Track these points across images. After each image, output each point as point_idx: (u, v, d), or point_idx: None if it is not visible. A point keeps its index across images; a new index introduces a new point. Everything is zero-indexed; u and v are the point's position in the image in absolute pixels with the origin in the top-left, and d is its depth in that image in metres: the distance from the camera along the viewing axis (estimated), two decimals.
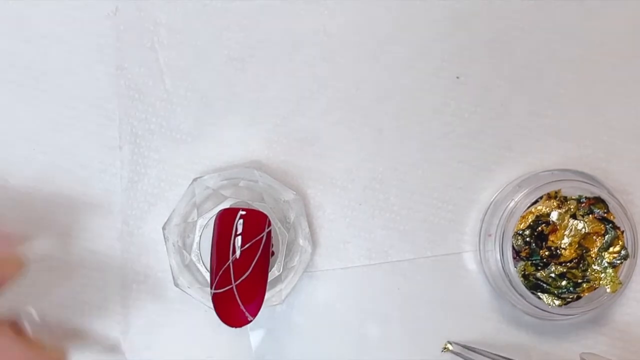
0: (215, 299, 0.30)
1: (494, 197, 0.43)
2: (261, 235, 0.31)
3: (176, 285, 0.39)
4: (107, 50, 0.43)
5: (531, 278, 0.41)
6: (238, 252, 0.31)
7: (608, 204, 0.41)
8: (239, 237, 0.31)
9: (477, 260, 0.44)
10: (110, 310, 0.43)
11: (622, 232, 0.41)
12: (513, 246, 0.41)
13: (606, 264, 0.41)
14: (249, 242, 0.31)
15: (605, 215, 0.41)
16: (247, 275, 0.31)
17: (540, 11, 0.44)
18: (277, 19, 0.44)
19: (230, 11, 0.43)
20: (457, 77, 0.44)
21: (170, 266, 0.39)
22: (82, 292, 0.42)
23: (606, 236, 0.41)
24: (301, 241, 0.40)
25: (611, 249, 0.41)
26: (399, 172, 0.44)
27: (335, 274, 0.43)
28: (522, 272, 0.41)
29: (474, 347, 0.40)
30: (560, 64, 0.44)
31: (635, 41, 0.44)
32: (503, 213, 0.42)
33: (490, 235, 0.42)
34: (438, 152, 0.44)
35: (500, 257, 0.41)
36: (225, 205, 0.35)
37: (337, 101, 0.44)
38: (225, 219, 0.31)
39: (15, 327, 0.35)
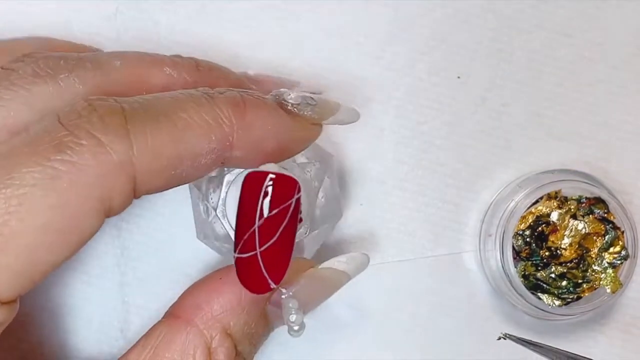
0: (239, 263, 0.29)
1: (494, 198, 0.43)
2: (290, 201, 0.29)
3: (199, 237, 0.39)
4: (106, 49, 0.42)
5: (531, 278, 0.41)
6: (264, 218, 0.29)
7: (608, 204, 0.41)
8: (267, 202, 0.29)
9: (477, 260, 0.43)
10: None
11: (623, 232, 0.41)
12: (513, 246, 0.41)
13: (606, 265, 0.41)
14: (277, 208, 0.29)
15: (606, 215, 0.41)
16: (273, 242, 0.29)
17: (540, 11, 0.44)
18: (278, 19, 0.44)
19: (231, 11, 0.43)
20: (458, 77, 0.44)
21: (194, 218, 0.39)
22: None
23: (606, 236, 0.41)
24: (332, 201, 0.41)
25: (611, 249, 0.41)
26: (400, 171, 0.44)
27: None
28: (523, 273, 0.41)
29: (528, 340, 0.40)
30: (560, 64, 0.44)
31: (635, 41, 0.44)
32: (503, 213, 0.42)
33: (490, 236, 0.42)
34: (438, 152, 0.44)
35: (500, 257, 0.41)
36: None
37: (338, 100, 0.42)
38: (253, 181, 0.29)
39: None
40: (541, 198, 0.41)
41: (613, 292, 0.41)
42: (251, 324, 0.32)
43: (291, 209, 0.30)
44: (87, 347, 0.43)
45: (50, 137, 0.27)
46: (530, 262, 0.41)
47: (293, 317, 0.32)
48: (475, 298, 0.44)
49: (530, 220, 0.41)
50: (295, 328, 0.32)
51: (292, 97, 0.33)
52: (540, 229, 0.41)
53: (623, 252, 0.41)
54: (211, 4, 0.43)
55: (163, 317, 0.33)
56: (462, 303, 0.43)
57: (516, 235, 0.41)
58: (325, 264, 0.35)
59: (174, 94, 0.30)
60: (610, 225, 0.41)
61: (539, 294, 0.41)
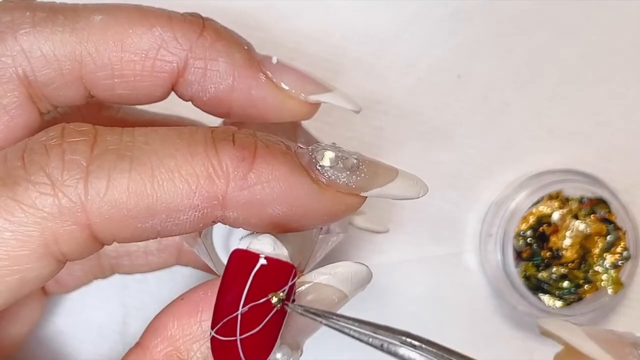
0: (215, 344, 0.24)
1: (494, 198, 0.43)
2: (282, 290, 0.24)
3: (186, 240, 0.35)
4: None
5: (532, 279, 0.40)
6: (249, 306, 0.24)
7: (610, 205, 0.41)
8: (254, 289, 0.24)
9: (478, 261, 0.43)
10: None
11: (624, 232, 0.40)
12: (514, 247, 0.41)
13: (608, 265, 0.40)
14: (265, 297, 0.24)
15: (607, 215, 0.41)
16: (256, 331, 0.24)
17: (541, 11, 0.43)
18: (278, 19, 0.43)
19: (230, 11, 0.43)
20: (458, 77, 0.43)
21: None
22: None
23: (608, 237, 0.40)
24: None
25: (613, 250, 0.40)
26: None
27: None
28: (524, 273, 0.40)
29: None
30: (561, 63, 0.43)
31: (636, 40, 0.44)
32: (504, 214, 0.41)
33: (491, 236, 0.42)
34: (438, 152, 0.43)
35: (501, 258, 0.41)
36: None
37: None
38: (240, 261, 0.24)
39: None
40: (542, 198, 0.41)
41: (615, 293, 0.40)
42: None
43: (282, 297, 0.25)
44: (86, 350, 0.42)
45: (4, 168, 0.24)
46: (531, 263, 0.41)
47: (277, 356, 0.26)
48: (475, 298, 0.43)
49: (531, 221, 0.41)
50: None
51: (324, 157, 0.26)
52: (541, 229, 0.41)
53: (625, 253, 0.40)
54: (211, 3, 0.43)
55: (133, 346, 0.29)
56: (463, 304, 0.43)
57: (517, 235, 0.41)
58: (306, 277, 0.26)
59: (174, 132, 0.25)
60: (612, 225, 0.41)
61: (540, 295, 0.40)
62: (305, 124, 0.43)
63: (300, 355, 0.27)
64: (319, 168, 0.26)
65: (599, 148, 0.43)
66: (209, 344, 0.26)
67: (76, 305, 0.42)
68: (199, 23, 0.28)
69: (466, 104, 0.43)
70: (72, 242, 0.24)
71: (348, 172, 0.26)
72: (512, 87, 0.43)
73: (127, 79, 0.27)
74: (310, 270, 0.27)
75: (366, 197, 0.27)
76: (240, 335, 0.24)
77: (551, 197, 0.41)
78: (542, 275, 0.40)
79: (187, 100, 0.29)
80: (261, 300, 0.24)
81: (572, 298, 0.40)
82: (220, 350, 0.25)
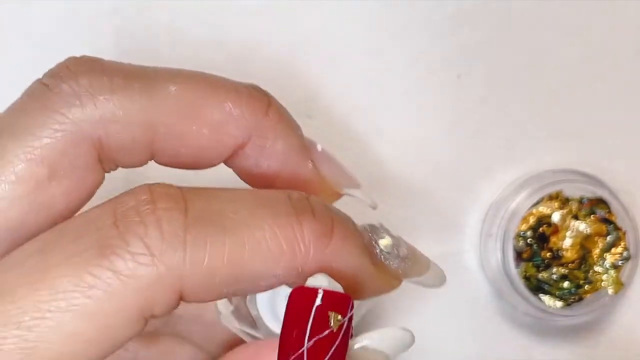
0: None
1: (494, 198, 0.42)
2: (342, 321, 0.25)
3: (217, 318, 0.36)
4: (106, 49, 0.42)
5: (533, 280, 0.40)
6: (313, 340, 0.25)
7: (610, 205, 0.40)
8: (317, 323, 0.25)
9: (478, 261, 0.43)
10: None
11: (624, 233, 0.40)
12: (514, 247, 0.40)
13: (608, 265, 0.40)
14: (328, 329, 0.25)
15: (607, 216, 0.40)
16: None
17: (541, 11, 0.43)
18: (278, 19, 0.43)
19: (230, 10, 0.42)
20: (458, 76, 0.43)
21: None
22: None
23: (608, 237, 0.40)
24: None
25: (613, 250, 0.40)
26: (400, 171, 0.43)
27: None
28: (524, 274, 0.40)
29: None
30: (561, 63, 0.43)
31: (636, 40, 0.43)
32: (504, 214, 0.41)
33: (491, 236, 0.41)
34: (438, 152, 0.43)
35: (501, 258, 0.40)
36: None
37: (338, 100, 0.43)
38: (300, 298, 0.25)
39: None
40: (542, 199, 0.41)
41: (615, 293, 0.40)
42: None
43: (343, 328, 0.25)
44: None
45: (98, 236, 0.24)
46: (531, 264, 0.40)
47: None
48: (475, 298, 0.42)
49: (531, 221, 0.40)
50: None
51: (384, 242, 0.28)
52: (541, 229, 0.40)
53: (625, 253, 0.40)
54: (211, 2, 0.42)
55: None
56: (463, 303, 0.42)
57: (517, 236, 0.40)
58: (356, 339, 0.28)
59: (256, 200, 0.26)
60: (612, 225, 0.40)
61: (541, 295, 0.40)
62: (306, 123, 0.43)
63: None
64: (379, 252, 0.27)
65: (599, 148, 0.43)
66: None
67: None
68: (265, 101, 0.29)
69: (466, 104, 0.43)
70: (165, 306, 0.25)
71: (399, 259, 0.28)
72: (512, 87, 0.43)
73: (193, 149, 0.28)
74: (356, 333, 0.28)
75: (402, 281, 0.29)
76: None
77: (551, 198, 0.41)
78: (543, 275, 0.40)
79: (232, 168, 0.29)
80: (325, 332, 0.25)
81: (572, 298, 0.40)
82: None
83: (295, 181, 0.30)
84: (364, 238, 0.27)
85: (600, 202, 0.40)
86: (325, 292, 0.25)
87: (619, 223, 0.40)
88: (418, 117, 0.43)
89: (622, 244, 0.40)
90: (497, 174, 0.43)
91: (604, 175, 0.42)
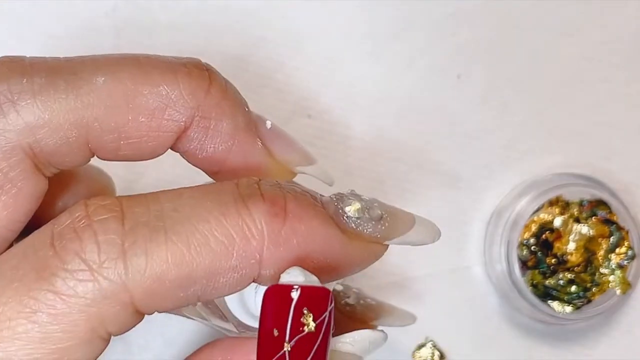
0: None
1: (496, 206, 0.42)
2: (323, 316, 0.24)
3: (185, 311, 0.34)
4: (105, 48, 0.41)
5: (540, 287, 0.40)
6: (295, 340, 0.23)
7: (610, 205, 0.40)
8: (296, 322, 0.24)
9: (483, 267, 0.42)
10: None
11: (627, 232, 0.40)
12: (519, 257, 0.40)
13: (614, 266, 0.40)
14: (308, 327, 0.24)
15: (609, 216, 0.40)
16: None
17: (541, 10, 0.43)
18: (278, 18, 0.42)
19: (230, 9, 0.42)
20: (458, 77, 0.43)
21: None
22: None
23: (611, 238, 0.40)
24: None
25: (617, 250, 0.40)
26: (400, 171, 0.43)
27: None
28: (531, 282, 0.40)
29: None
30: (561, 63, 0.43)
31: (636, 40, 0.43)
32: (506, 223, 0.41)
33: (494, 245, 0.41)
34: (438, 152, 0.42)
35: (506, 267, 0.40)
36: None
37: (337, 100, 0.42)
38: (276, 297, 0.23)
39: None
40: (542, 205, 0.40)
41: (623, 293, 0.40)
42: None
43: (324, 324, 0.24)
44: None
45: (36, 258, 0.23)
46: (537, 271, 0.40)
47: None
48: (481, 305, 0.42)
49: (533, 229, 0.40)
50: None
51: (351, 208, 0.26)
52: (544, 236, 0.40)
53: (629, 252, 0.40)
54: (211, 2, 0.42)
55: None
56: (468, 309, 0.42)
57: (521, 245, 0.40)
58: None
59: (200, 194, 0.24)
60: (615, 226, 0.40)
61: (549, 301, 0.40)
62: (306, 123, 0.43)
63: None
64: (346, 219, 0.25)
65: (599, 148, 0.43)
66: None
67: None
68: (205, 78, 0.27)
69: (466, 104, 0.43)
70: (117, 320, 0.23)
71: (373, 223, 0.26)
72: (512, 87, 0.43)
73: (133, 140, 0.26)
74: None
75: (388, 245, 0.27)
76: None
77: (551, 203, 0.40)
78: (550, 282, 0.40)
79: (178, 152, 0.28)
80: (306, 330, 0.24)
81: (581, 302, 0.40)
82: None
83: (245, 162, 0.28)
84: (330, 209, 0.25)
85: (600, 203, 0.40)
86: (302, 288, 0.23)
87: (621, 223, 0.40)
88: (418, 117, 0.43)
89: (626, 243, 0.40)
90: (497, 174, 0.43)
91: (603, 175, 0.42)
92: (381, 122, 0.42)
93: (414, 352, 0.41)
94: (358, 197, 0.26)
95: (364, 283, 0.42)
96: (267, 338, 0.24)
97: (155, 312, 0.24)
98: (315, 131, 0.43)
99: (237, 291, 0.25)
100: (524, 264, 0.40)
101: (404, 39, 0.43)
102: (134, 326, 0.24)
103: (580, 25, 0.43)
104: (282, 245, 0.24)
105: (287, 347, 0.24)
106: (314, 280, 0.24)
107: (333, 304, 0.24)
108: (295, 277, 0.24)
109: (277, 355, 0.24)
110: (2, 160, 0.25)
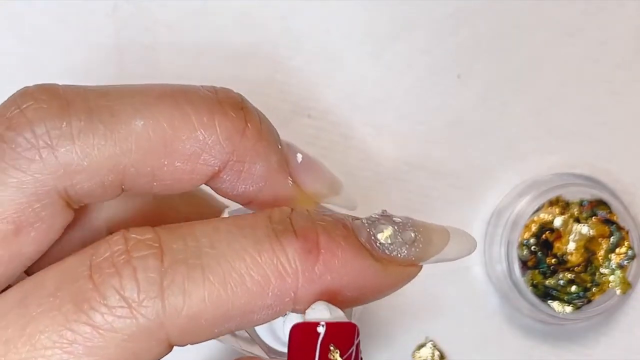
0: None
1: (496, 206, 0.42)
2: (350, 351, 0.23)
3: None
4: (105, 48, 0.41)
5: (540, 287, 0.40)
6: None
7: (610, 205, 0.40)
8: (322, 359, 0.23)
9: (483, 268, 0.42)
10: None
11: (627, 232, 0.40)
12: (519, 257, 0.40)
13: (614, 266, 0.39)
14: None
15: (609, 216, 0.40)
16: None
17: (541, 10, 0.42)
18: (278, 18, 0.42)
19: (230, 9, 0.42)
20: (458, 77, 0.42)
21: None
22: None
23: (612, 237, 0.39)
24: None
25: (617, 250, 0.39)
26: (400, 171, 0.42)
27: None
28: (531, 282, 0.40)
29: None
30: (561, 63, 0.42)
31: (637, 40, 0.43)
32: (506, 223, 0.40)
33: (494, 245, 0.41)
34: (438, 152, 0.42)
35: (506, 267, 0.40)
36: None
37: (338, 100, 0.42)
38: (302, 334, 0.23)
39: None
40: (542, 205, 0.40)
41: (623, 293, 0.39)
42: None
43: (352, 358, 0.24)
44: None
45: (75, 289, 0.23)
46: (537, 271, 0.40)
47: None
48: (481, 305, 0.42)
49: (533, 229, 0.40)
50: None
51: (384, 235, 0.25)
52: (544, 236, 0.40)
53: (630, 252, 0.39)
54: (211, 1, 0.42)
55: None
56: (464, 304, 0.42)
57: (521, 245, 0.40)
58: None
59: (235, 228, 0.24)
60: (615, 226, 0.40)
61: (549, 301, 0.39)
62: (306, 123, 0.43)
63: None
64: (379, 245, 0.25)
65: (599, 148, 0.42)
66: None
67: None
68: (242, 119, 0.26)
69: (466, 104, 0.42)
70: (150, 354, 0.24)
71: (407, 246, 0.25)
72: (512, 87, 0.42)
73: (166, 182, 0.26)
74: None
75: (422, 265, 0.26)
76: None
77: (551, 203, 0.40)
78: (550, 282, 0.39)
79: (209, 186, 0.28)
80: None
81: (581, 302, 0.39)
82: None
83: (274, 197, 0.28)
84: (362, 235, 0.25)
85: (600, 203, 0.40)
86: (328, 325, 0.23)
87: (621, 223, 0.40)
88: (418, 117, 0.42)
89: (626, 243, 0.40)
90: (497, 174, 0.42)
91: (603, 175, 0.41)
92: (381, 122, 0.42)
93: (414, 352, 0.41)
94: (390, 220, 0.25)
95: None
96: None
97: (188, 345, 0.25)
98: (315, 131, 0.42)
99: (268, 321, 0.25)
100: (524, 264, 0.40)
101: (404, 39, 0.42)
102: (164, 356, 0.24)
103: (580, 25, 0.43)
104: (316, 282, 0.24)
105: None
106: (339, 316, 0.24)
107: (359, 338, 0.24)
108: (320, 313, 0.24)
109: None
110: (35, 202, 0.24)
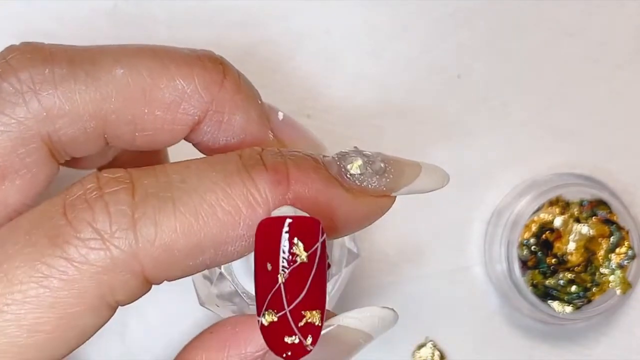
0: (265, 330, 0.23)
1: (496, 206, 0.42)
2: (315, 246, 0.23)
3: (201, 304, 0.35)
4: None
5: (540, 286, 0.40)
6: (289, 270, 0.23)
7: (610, 205, 0.40)
8: (289, 252, 0.23)
9: (483, 268, 0.42)
10: None
11: (627, 232, 0.39)
12: (519, 256, 0.40)
13: (614, 266, 0.39)
14: (301, 258, 0.24)
15: (609, 216, 0.40)
16: (303, 297, 0.24)
17: (541, 10, 0.42)
18: (278, 18, 0.42)
19: (230, 9, 0.41)
20: (458, 77, 0.42)
21: (193, 281, 0.35)
22: None
23: (612, 237, 0.39)
24: (347, 241, 0.36)
25: (618, 250, 0.39)
26: None
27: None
28: (531, 282, 0.39)
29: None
30: (561, 63, 0.42)
31: (636, 40, 0.42)
32: (506, 223, 0.40)
33: (494, 245, 0.41)
34: (438, 152, 0.42)
35: (506, 267, 0.40)
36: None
37: (338, 100, 0.42)
38: (267, 231, 0.23)
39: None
40: (543, 205, 0.40)
41: (623, 293, 0.39)
42: None
43: (317, 254, 0.24)
44: (86, 352, 0.41)
45: (49, 226, 0.24)
46: (537, 271, 0.40)
47: None
48: (481, 305, 0.42)
49: (533, 229, 0.40)
50: None
51: (353, 166, 0.26)
52: (544, 236, 0.40)
53: (630, 252, 0.39)
54: (211, 1, 0.42)
55: None
56: (464, 304, 0.42)
57: (521, 245, 0.40)
58: (332, 320, 0.27)
59: (206, 165, 0.25)
60: (615, 226, 0.40)
61: (549, 301, 0.39)
62: (306, 123, 0.42)
63: None
64: (350, 177, 0.26)
65: (599, 148, 0.42)
66: None
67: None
68: (220, 71, 0.27)
69: (466, 104, 0.42)
70: (127, 289, 0.24)
71: (377, 177, 0.26)
72: (512, 87, 0.42)
73: (148, 132, 0.27)
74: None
75: (396, 196, 0.27)
76: (289, 306, 0.24)
77: (551, 203, 0.40)
78: (550, 282, 0.39)
79: (191, 143, 0.28)
80: (299, 261, 0.23)
81: (581, 302, 0.39)
82: (272, 333, 0.24)
83: None
84: (333, 169, 0.25)
85: (600, 203, 0.40)
86: (293, 218, 0.23)
87: (621, 223, 0.40)
88: (418, 117, 0.42)
89: (626, 243, 0.39)
90: (497, 174, 0.42)
91: (603, 175, 0.41)
92: (381, 122, 0.42)
93: (414, 352, 0.41)
94: (360, 153, 0.26)
95: (364, 282, 0.41)
96: (262, 274, 0.24)
97: (165, 282, 0.25)
98: (315, 131, 0.42)
99: (244, 256, 0.25)
100: (524, 264, 0.40)
101: (404, 39, 0.42)
102: (141, 296, 0.25)
103: (580, 25, 0.42)
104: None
105: (281, 280, 0.23)
106: (304, 214, 0.24)
107: (325, 236, 0.24)
108: (285, 211, 0.24)
109: (273, 290, 0.23)
110: (20, 146, 0.25)
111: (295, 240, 0.23)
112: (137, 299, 0.25)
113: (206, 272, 0.35)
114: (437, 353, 0.41)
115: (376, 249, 0.42)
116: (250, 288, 0.34)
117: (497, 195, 0.42)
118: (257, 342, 0.25)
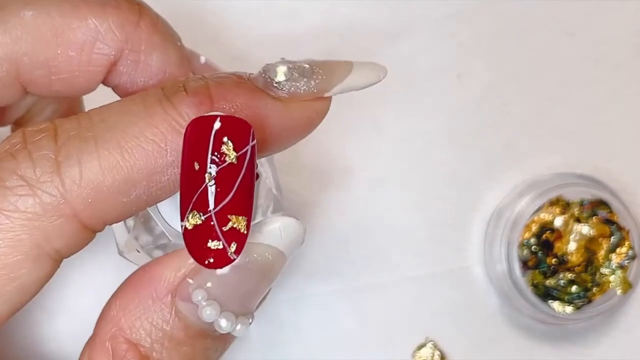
0: (187, 234, 0.23)
1: (496, 206, 0.42)
2: (245, 148, 0.23)
3: (120, 253, 0.34)
4: None
5: (540, 287, 0.39)
6: (216, 170, 0.23)
7: (610, 205, 0.39)
8: (218, 151, 0.23)
9: (483, 268, 0.42)
10: None
11: (628, 232, 0.39)
12: (519, 257, 0.40)
13: (614, 266, 0.39)
14: (230, 158, 0.23)
15: (609, 216, 0.39)
16: (229, 200, 0.23)
17: (541, 10, 0.42)
18: (277, 17, 0.42)
19: (230, 9, 0.41)
20: (458, 77, 0.42)
21: (113, 229, 0.33)
22: None
23: (612, 237, 0.39)
24: (274, 189, 0.35)
25: (618, 250, 0.39)
26: (400, 171, 0.42)
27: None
28: (531, 282, 0.39)
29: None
30: (561, 63, 0.42)
31: (636, 41, 0.42)
32: (506, 223, 0.40)
33: (494, 245, 0.41)
34: (438, 152, 0.42)
35: (507, 267, 0.40)
36: None
37: (337, 99, 0.41)
38: (196, 129, 0.22)
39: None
40: (543, 205, 0.40)
41: (624, 293, 0.39)
42: (161, 324, 0.25)
43: (247, 157, 0.23)
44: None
45: None
46: (538, 271, 0.40)
47: (207, 312, 0.24)
48: (481, 305, 0.42)
49: (534, 229, 0.40)
50: (219, 327, 0.24)
51: (278, 73, 0.25)
52: (544, 236, 0.40)
53: (630, 252, 0.39)
54: (211, 1, 0.41)
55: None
56: (464, 304, 0.42)
57: (521, 245, 0.40)
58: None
59: (127, 102, 0.24)
60: (615, 226, 0.39)
61: (550, 301, 0.39)
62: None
63: (252, 321, 0.25)
64: (277, 85, 0.25)
65: (599, 148, 0.42)
66: (150, 320, 0.25)
67: (74, 304, 0.41)
68: (135, 11, 0.27)
69: (466, 104, 0.42)
70: (63, 236, 0.24)
71: (305, 80, 0.25)
72: (512, 87, 0.42)
73: (64, 75, 0.26)
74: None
75: (331, 96, 0.26)
76: (215, 207, 0.23)
77: (552, 203, 0.40)
78: (550, 282, 0.39)
79: (109, 87, 0.28)
80: (228, 162, 0.23)
81: (581, 302, 0.39)
82: (194, 237, 0.23)
83: None
84: (259, 83, 0.25)
85: (600, 203, 0.40)
86: (223, 117, 0.23)
87: (622, 223, 0.39)
88: (418, 117, 0.42)
89: (627, 243, 0.39)
90: (497, 174, 0.42)
91: (603, 175, 0.41)
92: (381, 122, 0.42)
93: (414, 352, 0.41)
94: (284, 61, 0.25)
95: (365, 281, 0.41)
96: (188, 174, 0.23)
97: (105, 227, 0.24)
98: (314, 131, 0.42)
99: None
100: (524, 264, 0.40)
101: (404, 39, 0.42)
102: (84, 245, 0.24)
103: (580, 25, 0.42)
104: None
105: (208, 179, 0.23)
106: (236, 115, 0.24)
107: (255, 142, 0.23)
108: (217, 113, 0.23)
109: (199, 190, 0.23)
110: None
111: (225, 139, 0.23)
112: (79, 249, 0.24)
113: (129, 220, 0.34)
114: (437, 353, 0.40)
115: (376, 249, 0.42)
116: (177, 225, 0.32)
117: (497, 195, 0.42)
118: (168, 279, 0.25)
